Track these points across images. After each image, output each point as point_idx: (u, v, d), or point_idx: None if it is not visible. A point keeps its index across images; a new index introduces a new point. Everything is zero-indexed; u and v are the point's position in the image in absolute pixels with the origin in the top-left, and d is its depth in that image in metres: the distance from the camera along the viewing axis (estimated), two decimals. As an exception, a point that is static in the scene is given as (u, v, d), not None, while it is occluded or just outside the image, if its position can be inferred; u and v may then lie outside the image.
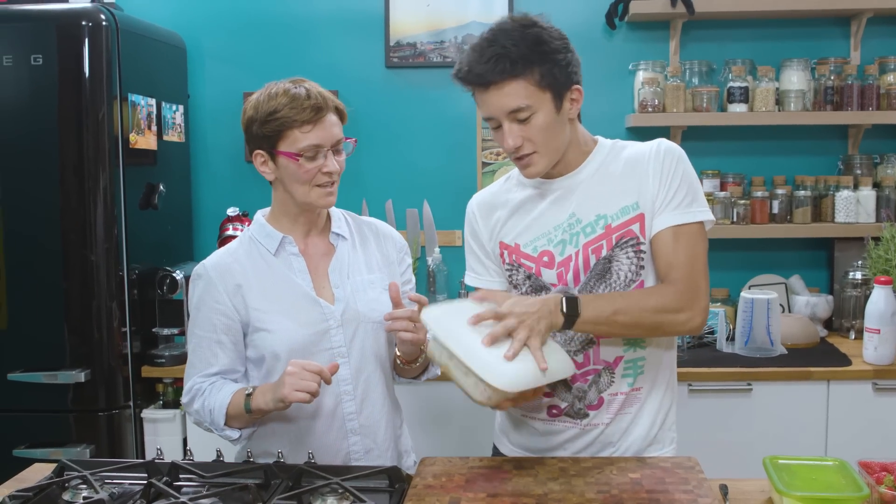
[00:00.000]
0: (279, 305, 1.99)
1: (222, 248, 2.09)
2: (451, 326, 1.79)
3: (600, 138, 2.02)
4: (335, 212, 2.13)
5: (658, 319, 1.85)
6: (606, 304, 1.83)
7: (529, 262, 1.98)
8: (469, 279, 2.14)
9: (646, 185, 1.91)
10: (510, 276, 2.03)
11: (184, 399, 2.03)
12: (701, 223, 1.91)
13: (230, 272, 2.01)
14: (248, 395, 1.91)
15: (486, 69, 1.81)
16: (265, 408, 1.88)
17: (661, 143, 1.95)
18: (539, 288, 1.98)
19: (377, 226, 2.20)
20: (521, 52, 1.80)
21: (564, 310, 1.78)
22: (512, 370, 1.69)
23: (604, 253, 1.92)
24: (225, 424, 1.95)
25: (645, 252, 1.92)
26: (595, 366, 1.96)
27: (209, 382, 1.99)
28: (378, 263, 2.12)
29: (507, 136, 1.86)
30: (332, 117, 1.97)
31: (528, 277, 1.99)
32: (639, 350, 1.96)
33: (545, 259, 1.96)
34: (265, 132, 1.95)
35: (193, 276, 2.05)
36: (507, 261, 2.03)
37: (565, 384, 1.97)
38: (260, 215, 2.10)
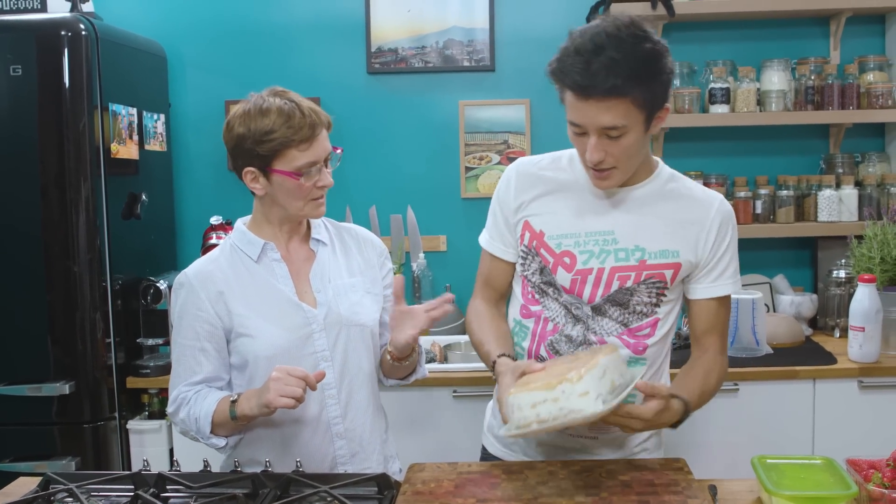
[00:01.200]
0: (262, 311, 1.98)
1: (204, 257, 2.09)
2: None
3: (660, 161, 1.98)
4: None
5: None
6: (699, 402, 1.92)
7: (549, 255, 1.94)
8: (483, 239, 2.10)
9: (698, 245, 1.92)
10: (524, 262, 2.00)
11: (169, 408, 2.02)
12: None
13: (212, 279, 2.00)
14: (233, 402, 1.90)
15: (592, 81, 1.69)
16: (250, 413, 1.87)
17: (723, 205, 1.95)
18: (548, 284, 1.95)
19: (357, 231, 2.19)
20: (630, 69, 1.69)
21: (680, 419, 1.83)
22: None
23: (629, 284, 1.91)
24: (211, 432, 1.95)
25: (666, 296, 1.94)
26: None
27: (194, 391, 1.98)
28: (359, 268, 2.12)
29: (592, 149, 1.78)
30: (324, 132, 1.97)
31: (541, 271, 1.96)
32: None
33: (566, 260, 1.93)
34: (260, 151, 1.92)
35: (175, 284, 2.04)
36: (525, 243, 1.99)
37: None
38: (241, 223, 2.09)
